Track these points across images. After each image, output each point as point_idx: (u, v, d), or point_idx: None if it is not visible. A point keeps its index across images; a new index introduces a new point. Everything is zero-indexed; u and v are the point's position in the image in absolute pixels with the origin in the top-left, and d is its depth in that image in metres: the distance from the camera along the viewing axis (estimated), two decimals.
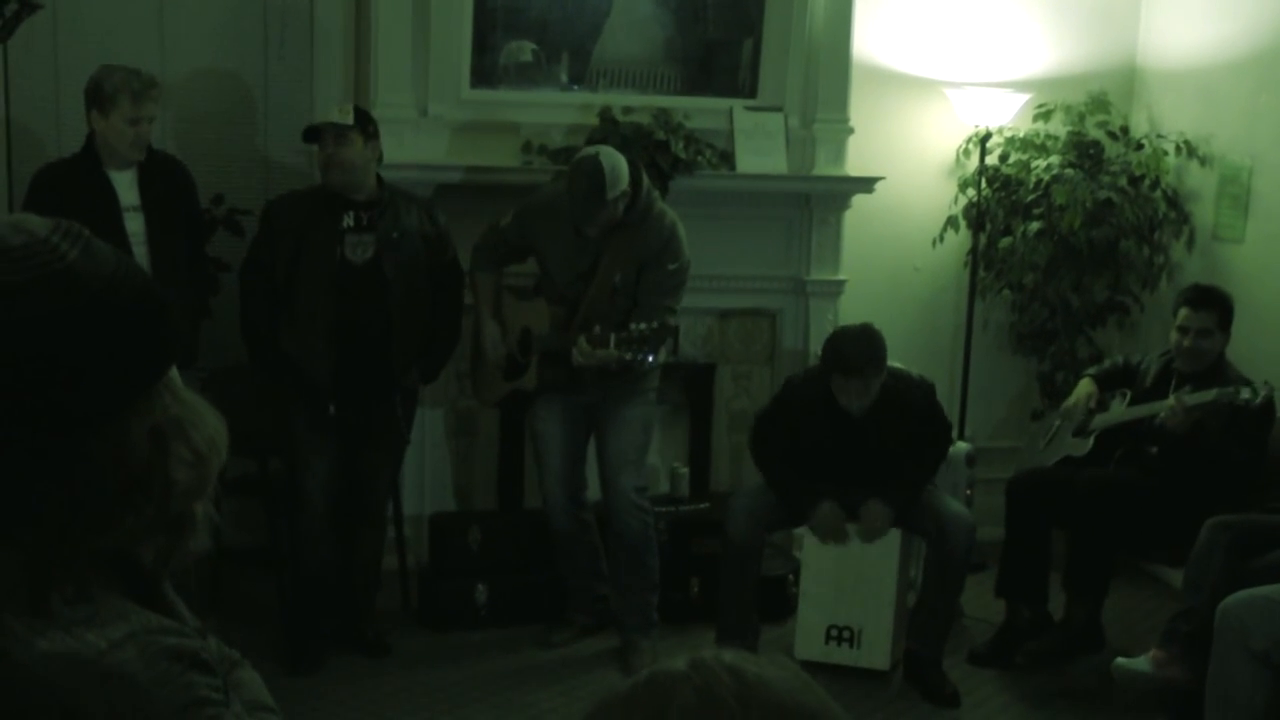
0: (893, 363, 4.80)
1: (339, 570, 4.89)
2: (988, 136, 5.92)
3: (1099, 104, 6.02)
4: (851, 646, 4.89)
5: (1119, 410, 5.03)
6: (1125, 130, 6.09)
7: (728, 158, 5.53)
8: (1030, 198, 5.93)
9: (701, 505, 5.58)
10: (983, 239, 6.03)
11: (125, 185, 4.67)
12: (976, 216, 6.00)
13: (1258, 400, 4.50)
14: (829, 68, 5.61)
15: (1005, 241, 5.98)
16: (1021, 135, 6.00)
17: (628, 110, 5.36)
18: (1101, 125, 6.03)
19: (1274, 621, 3.94)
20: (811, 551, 4.94)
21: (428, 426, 5.46)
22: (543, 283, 4.90)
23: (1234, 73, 5.67)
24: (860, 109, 5.71)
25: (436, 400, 5.49)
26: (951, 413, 5.67)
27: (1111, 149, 6.02)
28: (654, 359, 4.64)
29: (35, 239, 1.20)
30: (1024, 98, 5.92)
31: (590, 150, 4.68)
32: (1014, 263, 5.94)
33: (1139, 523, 4.83)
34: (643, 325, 4.53)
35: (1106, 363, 5.33)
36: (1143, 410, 4.88)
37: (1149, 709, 4.54)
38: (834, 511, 4.83)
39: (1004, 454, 5.86)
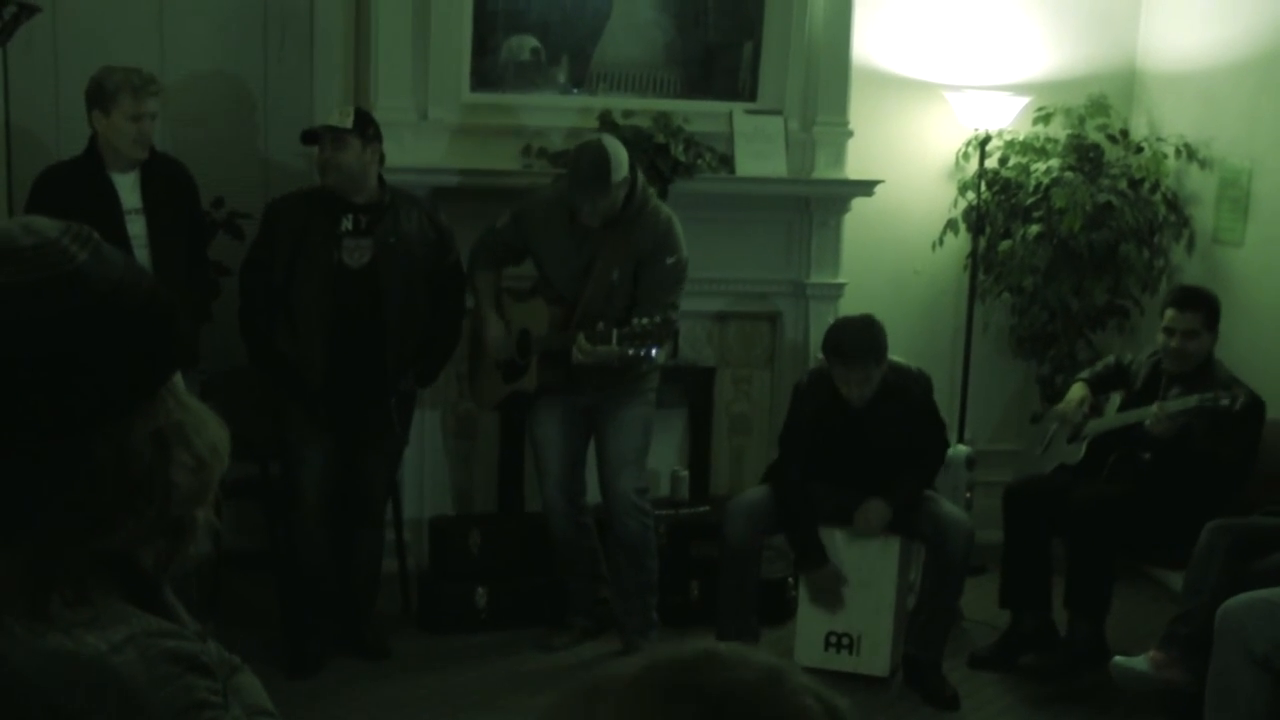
0: (892, 356, 4.81)
1: (338, 573, 4.89)
2: (987, 139, 5.92)
3: (1099, 107, 6.02)
4: (851, 653, 4.89)
5: (1110, 417, 5.03)
6: (1125, 133, 6.09)
7: (727, 161, 5.53)
8: (1030, 201, 5.93)
9: (701, 508, 5.58)
10: (982, 242, 6.03)
11: (127, 188, 4.67)
12: (976, 220, 6.00)
13: (1236, 406, 4.50)
14: (829, 71, 5.62)
15: (1005, 245, 5.98)
16: (1021, 138, 6.00)
17: (627, 113, 5.37)
18: (1101, 128, 6.04)
19: (1274, 624, 3.94)
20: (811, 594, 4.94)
21: (427, 429, 5.46)
22: (540, 284, 4.90)
23: (1234, 76, 5.68)
24: (860, 112, 5.71)
25: (436, 403, 5.49)
26: (951, 415, 5.68)
27: (1111, 152, 6.03)
28: (657, 353, 4.64)
29: (45, 240, 1.21)
30: (1023, 101, 5.92)
31: (592, 137, 4.70)
32: (1014, 266, 5.94)
33: (1137, 533, 4.83)
34: (645, 320, 4.53)
35: (1099, 364, 5.32)
36: (1131, 416, 4.88)
37: (1149, 712, 4.54)
38: (835, 576, 4.83)
39: (1004, 457, 5.86)
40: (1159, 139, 5.96)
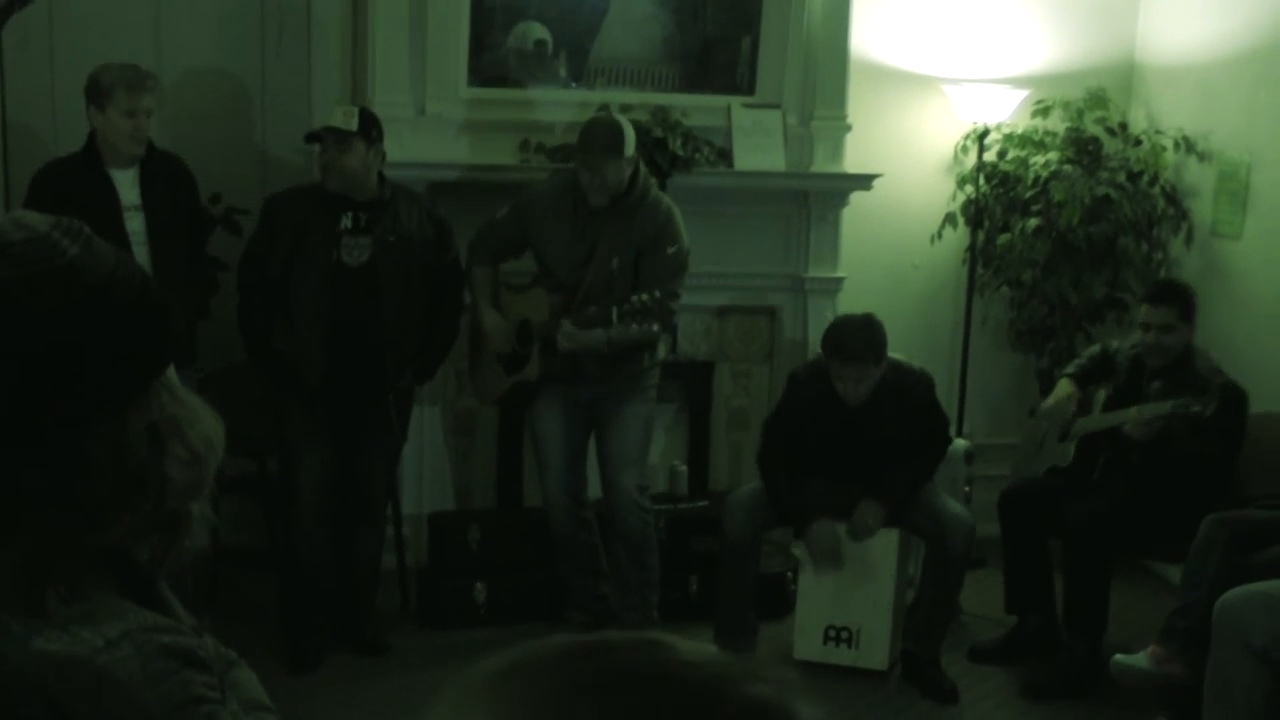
0: (893, 354, 4.80)
1: (338, 569, 4.89)
2: (986, 133, 5.91)
3: (1097, 100, 6.02)
4: (850, 647, 4.89)
5: (1095, 417, 5.00)
6: (1124, 126, 6.08)
7: (726, 155, 5.53)
8: (1029, 194, 5.93)
9: (700, 503, 5.58)
10: (981, 236, 6.03)
11: (126, 184, 4.66)
12: (975, 213, 6.00)
13: (1208, 411, 4.49)
14: (827, 65, 5.61)
15: (1004, 238, 5.97)
16: (1020, 131, 6.00)
17: (626, 108, 5.35)
18: (1100, 121, 6.03)
19: (1272, 617, 3.94)
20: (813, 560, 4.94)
21: (426, 425, 5.46)
22: (540, 275, 4.90)
23: (1232, 69, 5.67)
24: (858, 106, 5.71)
25: (435, 399, 5.49)
26: (950, 409, 5.67)
27: (1110, 145, 6.02)
28: (658, 329, 4.64)
29: (36, 235, 1.20)
30: (1022, 94, 5.92)
31: (602, 113, 4.75)
32: (1012, 259, 5.93)
33: (1134, 538, 4.84)
34: (644, 296, 4.53)
35: (1085, 356, 5.28)
36: (1114, 418, 4.84)
37: (1148, 705, 4.54)
38: (830, 532, 4.82)
39: (1002, 451, 5.85)
40: (1158, 132, 5.96)
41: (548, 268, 4.83)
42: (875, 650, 4.88)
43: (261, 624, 4.96)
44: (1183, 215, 5.95)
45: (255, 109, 5.58)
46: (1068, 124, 5.99)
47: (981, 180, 5.96)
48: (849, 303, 5.74)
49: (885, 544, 4.85)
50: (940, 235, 6.08)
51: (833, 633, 4.89)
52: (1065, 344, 5.95)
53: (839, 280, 5.77)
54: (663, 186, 5.15)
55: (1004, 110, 5.88)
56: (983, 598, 5.41)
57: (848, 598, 4.87)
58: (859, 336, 4.66)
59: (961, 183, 6.05)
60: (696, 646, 0.79)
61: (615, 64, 5.60)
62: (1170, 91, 6.03)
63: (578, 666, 0.75)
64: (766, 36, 5.57)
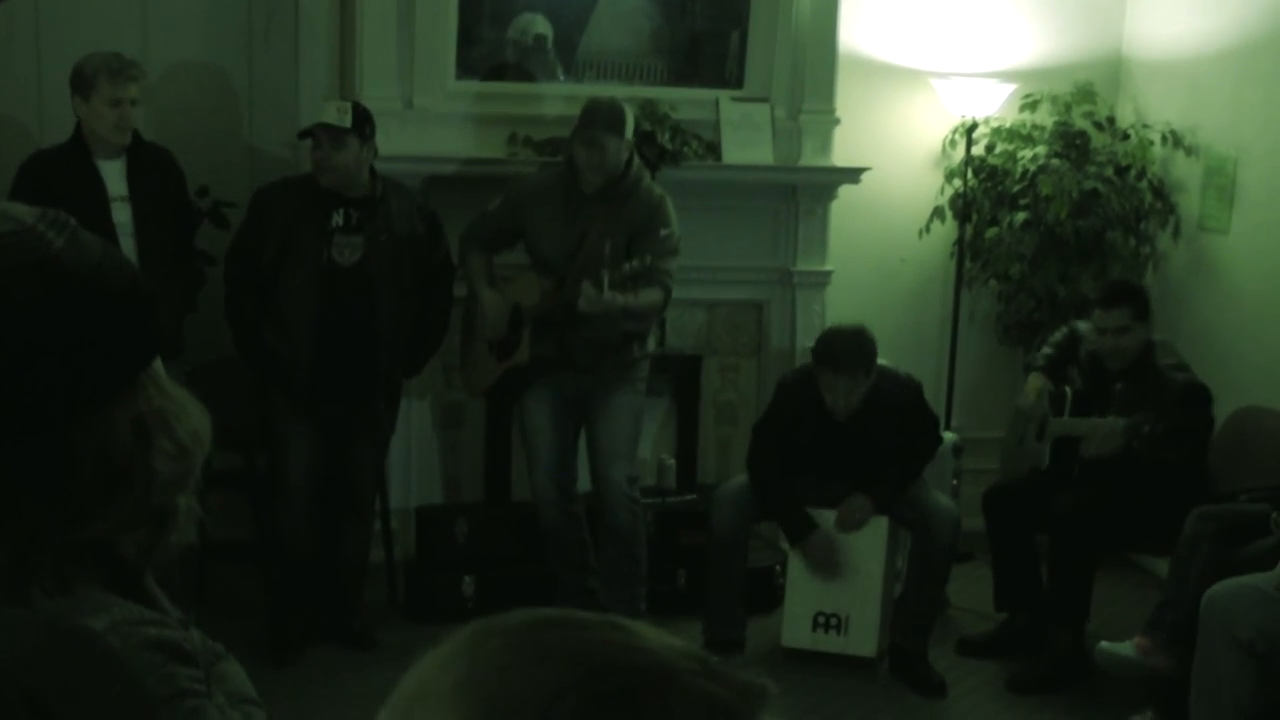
0: (880, 359, 4.79)
1: (325, 563, 4.88)
2: (974, 127, 5.92)
3: (1085, 94, 6.03)
4: (839, 633, 4.89)
5: (1066, 421, 4.95)
6: (1111, 121, 6.09)
7: (714, 149, 5.52)
8: (1016, 188, 5.93)
9: (688, 497, 5.58)
10: (969, 230, 6.03)
11: (114, 176, 4.65)
12: (963, 207, 6.00)
13: (1159, 429, 4.49)
14: (815, 58, 5.61)
15: (992, 232, 5.98)
16: (1008, 125, 6.00)
17: None
18: (1088, 116, 6.04)
19: (1259, 610, 3.95)
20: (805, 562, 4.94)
21: (414, 419, 5.45)
22: (531, 265, 4.88)
23: (1219, 63, 5.68)
24: (846, 100, 5.71)
25: (423, 392, 5.48)
26: (938, 403, 5.68)
27: (1098, 139, 6.03)
28: (663, 301, 4.67)
29: (22, 226, 1.20)
30: (1010, 88, 5.92)
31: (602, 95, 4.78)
32: (1000, 253, 5.94)
33: (1119, 532, 4.84)
34: (634, 261, 4.53)
35: (1050, 345, 5.21)
36: (1080, 427, 4.81)
37: (1134, 697, 4.55)
38: (826, 544, 4.82)
39: (991, 444, 5.85)
40: (1145, 126, 5.96)
41: (540, 257, 4.82)
42: (864, 637, 4.89)
43: (248, 617, 4.95)
44: (1170, 210, 5.96)
45: (243, 102, 5.57)
46: (1055, 118, 6.00)
47: (969, 174, 5.97)
48: (837, 296, 5.74)
49: (874, 531, 4.86)
50: (928, 229, 6.09)
51: (821, 619, 4.90)
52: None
53: (827, 274, 5.77)
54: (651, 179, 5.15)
55: (992, 104, 5.88)
56: (970, 591, 5.42)
57: (837, 585, 4.87)
58: (850, 348, 4.65)
59: (949, 176, 6.05)
60: (659, 635, 0.81)
61: (604, 57, 5.59)
62: (1158, 86, 6.04)
63: (545, 635, 0.81)
64: (755, 30, 5.57)
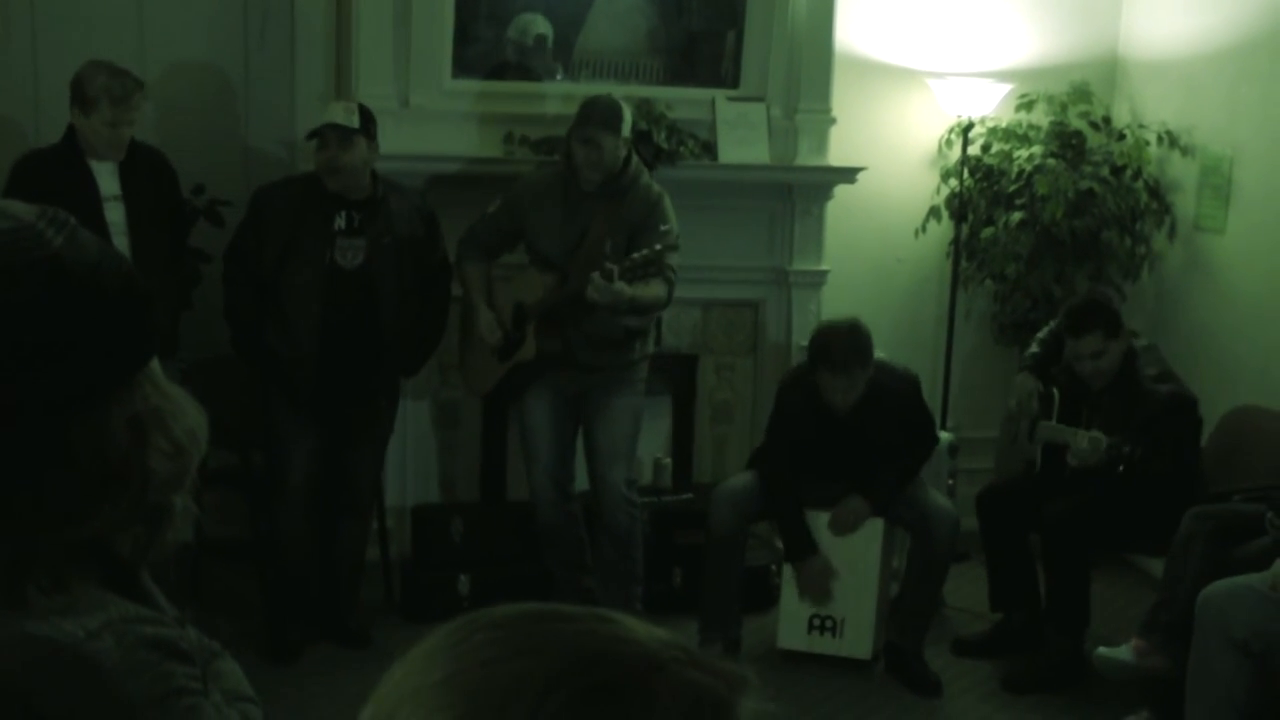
0: (877, 354, 4.79)
1: (321, 562, 4.88)
2: (970, 127, 5.92)
3: (1081, 94, 6.03)
4: (834, 636, 4.89)
5: (1054, 427, 4.91)
6: (1107, 120, 6.09)
7: (710, 148, 5.53)
8: (1012, 188, 5.93)
9: (684, 496, 5.58)
10: (965, 229, 6.03)
11: (106, 175, 4.64)
12: (959, 207, 6.00)
13: (1137, 455, 4.47)
14: (811, 58, 5.61)
15: (987, 232, 5.98)
16: (1004, 125, 6.01)
17: None
18: (1083, 115, 6.04)
19: (1254, 610, 3.95)
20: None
21: (410, 418, 5.44)
22: (533, 263, 4.87)
23: (1215, 63, 5.69)
24: (843, 99, 5.71)
25: (419, 392, 5.47)
26: (934, 403, 5.69)
27: (1093, 139, 6.03)
28: (667, 296, 4.65)
29: (21, 225, 1.20)
30: (1006, 88, 5.92)
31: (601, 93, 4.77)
32: (996, 253, 5.94)
33: (1113, 535, 4.84)
34: (644, 251, 4.53)
35: (1037, 343, 5.19)
36: (1066, 434, 4.75)
37: (1130, 699, 4.55)
38: (824, 568, 4.82)
39: (986, 444, 5.86)
40: (1141, 126, 5.97)
41: (541, 255, 4.81)
42: (859, 639, 4.89)
43: (244, 616, 4.95)
44: (1166, 209, 5.96)
45: (239, 100, 5.57)
46: (1051, 118, 6.00)
47: (965, 174, 5.97)
48: (833, 296, 5.74)
49: (870, 533, 4.85)
50: (924, 229, 6.09)
51: (817, 621, 4.90)
52: None
53: (823, 274, 5.77)
54: None
55: (988, 104, 5.89)
56: (966, 591, 5.43)
57: (832, 587, 4.87)
58: (845, 344, 4.62)
59: (946, 176, 6.05)
60: (645, 627, 0.82)
61: (600, 56, 5.59)
62: (1153, 86, 6.04)
63: (530, 628, 0.82)
64: (751, 29, 5.57)
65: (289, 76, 5.44)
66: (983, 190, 6.03)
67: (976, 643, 5.09)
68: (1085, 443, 4.57)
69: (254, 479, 5.04)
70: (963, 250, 6.04)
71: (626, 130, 4.64)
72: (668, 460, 5.74)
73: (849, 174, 5.69)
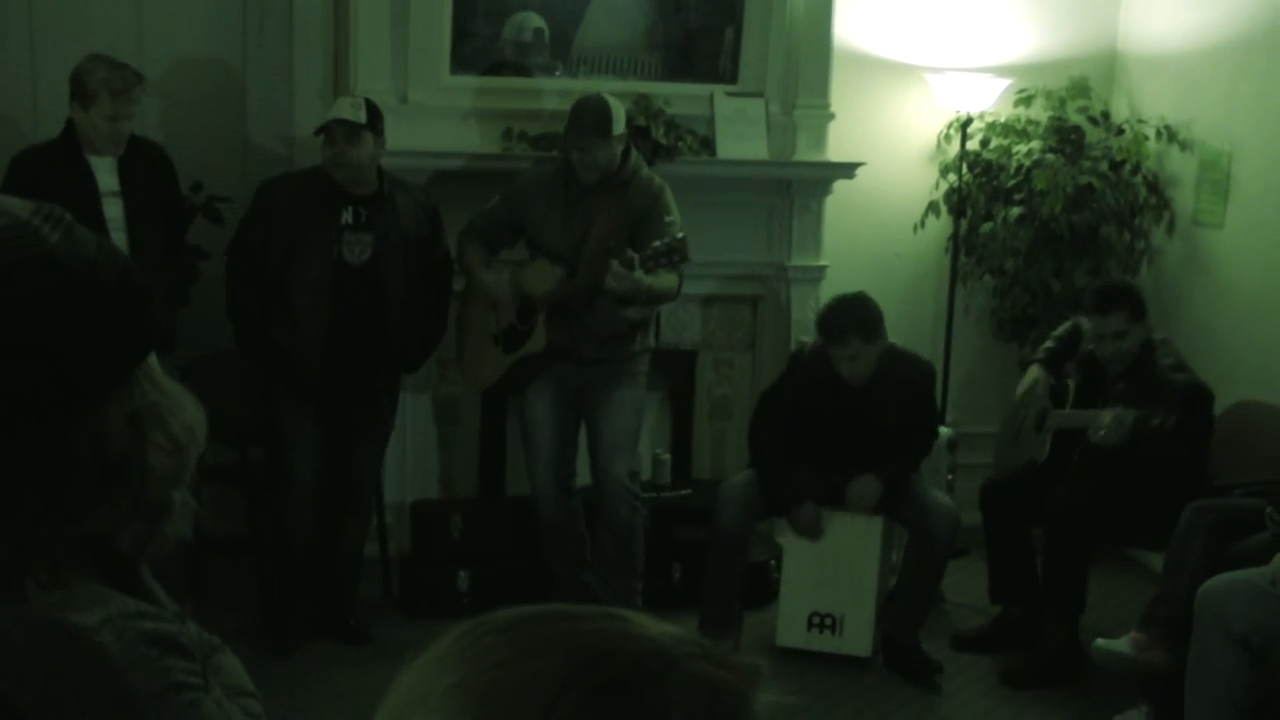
0: (897, 342, 4.80)
1: (322, 557, 4.88)
2: (969, 122, 5.92)
3: (1080, 89, 6.03)
4: (834, 633, 4.89)
5: (1067, 413, 4.93)
6: (1106, 115, 6.09)
7: (708, 144, 5.52)
8: (1011, 183, 5.93)
9: (683, 492, 5.58)
10: (964, 224, 6.03)
11: (105, 171, 4.63)
12: (958, 202, 6.00)
13: (1168, 424, 4.47)
14: (810, 53, 5.60)
15: (986, 227, 5.98)
16: (1002, 120, 6.00)
17: None
18: (1082, 110, 6.04)
19: (1254, 605, 3.96)
20: (793, 539, 4.94)
21: (410, 414, 5.44)
22: (534, 258, 4.86)
23: (1214, 58, 5.68)
24: (841, 94, 5.70)
25: (419, 388, 5.47)
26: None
27: (1092, 134, 6.03)
28: (677, 289, 4.67)
29: (16, 221, 1.19)
30: (1005, 83, 5.92)
31: (592, 92, 4.73)
32: (995, 248, 5.94)
33: (1115, 525, 4.83)
34: (664, 239, 4.52)
35: (1053, 338, 5.21)
36: (1084, 418, 4.78)
37: (1129, 693, 4.56)
38: (812, 514, 4.83)
39: (985, 439, 5.86)
40: (1140, 121, 5.97)
41: (544, 250, 4.78)
42: (859, 637, 4.89)
43: (243, 611, 4.95)
44: (1164, 204, 5.96)
45: (237, 97, 5.56)
46: (1050, 113, 6.00)
47: (964, 169, 5.97)
48: (832, 291, 5.70)
49: (869, 531, 4.86)
50: (923, 224, 6.09)
51: (816, 619, 4.90)
52: (1047, 333, 5.94)
53: (822, 269, 5.77)
54: None
55: (987, 99, 5.88)
56: (965, 586, 5.43)
57: (831, 585, 4.88)
58: (846, 314, 4.66)
59: (944, 171, 6.05)
60: (655, 623, 0.83)
61: (598, 52, 5.59)
62: (1152, 81, 6.04)
63: (540, 629, 0.82)
64: (749, 25, 5.56)
65: (288, 72, 5.43)
66: (981, 185, 6.03)
67: (975, 638, 5.10)
68: (1109, 419, 4.56)
69: (252, 475, 5.04)
70: (961, 245, 6.04)
71: (619, 128, 4.62)
72: (666, 456, 5.74)
73: (848, 169, 5.69)
